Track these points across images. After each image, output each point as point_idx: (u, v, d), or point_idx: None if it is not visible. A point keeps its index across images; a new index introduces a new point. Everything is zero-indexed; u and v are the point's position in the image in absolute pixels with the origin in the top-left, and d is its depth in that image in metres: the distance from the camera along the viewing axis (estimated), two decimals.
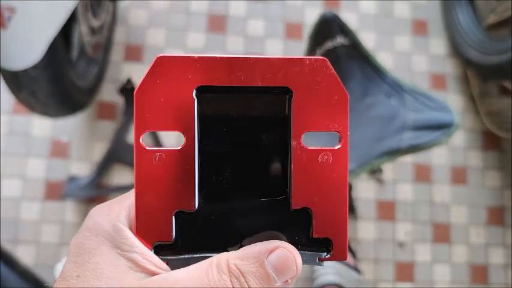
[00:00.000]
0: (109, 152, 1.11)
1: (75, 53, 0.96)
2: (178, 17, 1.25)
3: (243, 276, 0.23)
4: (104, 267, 0.24)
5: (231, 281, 0.23)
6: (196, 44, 1.24)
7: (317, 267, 1.04)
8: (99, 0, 1.04)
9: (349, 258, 1.09)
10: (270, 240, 0.24)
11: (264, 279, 0.24)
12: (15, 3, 0.65)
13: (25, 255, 1.05)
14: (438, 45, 1.33)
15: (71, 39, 0.93)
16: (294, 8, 1.30)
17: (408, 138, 0.86)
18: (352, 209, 1.17)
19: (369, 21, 1.31)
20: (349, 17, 1.30)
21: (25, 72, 0.74)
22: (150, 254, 0.24)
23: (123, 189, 1.09)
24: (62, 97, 0.86)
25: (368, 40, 1.28)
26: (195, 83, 0.24)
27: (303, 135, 0.25)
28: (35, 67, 0.73)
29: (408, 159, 1.23)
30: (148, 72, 0.24)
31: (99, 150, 1.13)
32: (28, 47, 0.71)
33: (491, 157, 1.28)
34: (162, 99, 0.24)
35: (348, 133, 0.25)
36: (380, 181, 1.21)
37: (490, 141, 1.28)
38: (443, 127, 0.85)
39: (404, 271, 1.18)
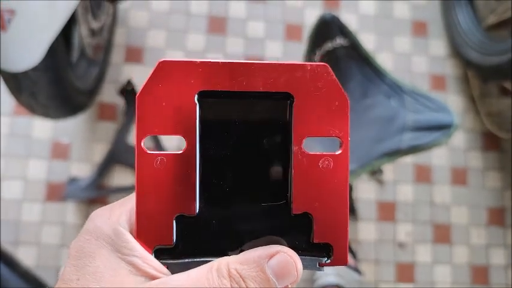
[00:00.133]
0: (109, 153, 1.11)
1: (75, 54, 0.96)
2: (179, 18, 1.25)
3: (244, 281, 0.23)
4: (104, 271, 0.24)
5: (231, 286, 0.23)
6: (196, 45, 1.24)
7: None
8: (99, 2, 1.04)
9: (350, 259, 1.09)
10: (271, 245, 0.24)
11: (264, 284, 0.23)
12: (15, 5, 0.65)
13: (26, 257, 1.05)
14: (438, 46, 1.33)
15: (71, 41, 0.93)
16: (293, 10, 1.30)
17: (408, 139, 0.86)
18: (352, 210, 1.17)
19: (368, 22, 1.31)
20: (348, 17, 1.30)
21: (25, 74, 0.74)
22: (151, 258, 0.24)
23: (124, 190, 1.09)
24: (63, 99, 0.86)
25: (368, 41, 1.28)
26: (197, 88, 0.25)
27: (304, 141, 0.25)
28: (35, 69, 0.73)
29: (408, 160, 1.23)
30: (150, 77, 0.24)
31: (99, 152, 1.13)
32: (28, 49, 0.70)
33: (491, 158, 1.28)
34: (164, 104, 0.24)
35: (349, 138, 0.25)
36: (380, 182, 1.21)
37: (490, 141, 1.28)
38: (443, 128, 0.86)
39: (405, 272, 1.18)
